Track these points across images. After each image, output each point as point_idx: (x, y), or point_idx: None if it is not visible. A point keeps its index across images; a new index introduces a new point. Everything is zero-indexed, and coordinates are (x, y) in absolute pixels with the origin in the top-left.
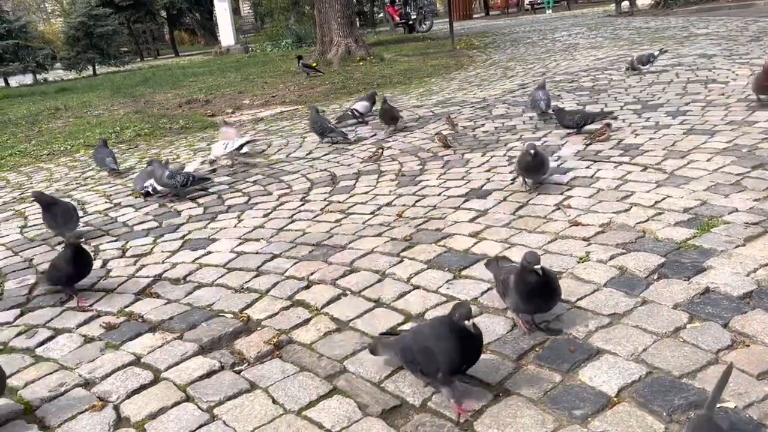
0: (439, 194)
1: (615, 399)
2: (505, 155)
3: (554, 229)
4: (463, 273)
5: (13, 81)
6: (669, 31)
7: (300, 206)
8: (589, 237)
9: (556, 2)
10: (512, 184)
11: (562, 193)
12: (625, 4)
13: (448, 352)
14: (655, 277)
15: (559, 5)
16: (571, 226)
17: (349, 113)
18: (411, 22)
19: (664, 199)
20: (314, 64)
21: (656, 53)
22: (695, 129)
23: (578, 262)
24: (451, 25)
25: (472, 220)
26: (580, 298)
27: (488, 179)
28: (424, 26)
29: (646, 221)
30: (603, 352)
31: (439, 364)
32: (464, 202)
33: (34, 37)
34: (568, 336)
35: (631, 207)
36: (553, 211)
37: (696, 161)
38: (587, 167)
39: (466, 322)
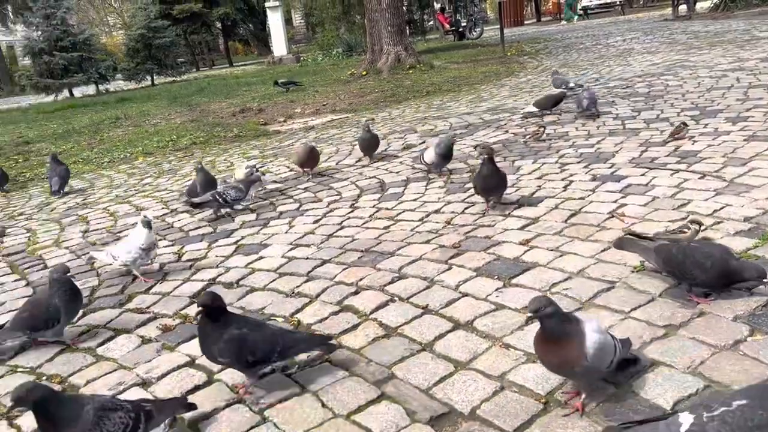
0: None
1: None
2: (556, 162)
3: (608, 237)
4: (513, 281)
5: (77, 91)
6: (729, 34)
7: (349, 213)
8: None
9: (608, 7)
10: (564, 191)
11: (615, 201)
12: (682, 8)
13: None
14: None
15: (612, 10)
16: (625, 234)
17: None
18: (461, 29)
19: (723, 207)
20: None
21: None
22: (757, 135)
23: (632, 272)
24: (502, 31)
25: (522, 228)
26: (634, 309)
27: (539, 186)
28: (474, 33)
29: (704, 230)
30: (658, 364)
31: None
32: (514, 209)
33: (97, 50)
34: None
35: (689, 215)
36: (606, 219)
37: (758, 168)
38: (642, 174)
39: None
